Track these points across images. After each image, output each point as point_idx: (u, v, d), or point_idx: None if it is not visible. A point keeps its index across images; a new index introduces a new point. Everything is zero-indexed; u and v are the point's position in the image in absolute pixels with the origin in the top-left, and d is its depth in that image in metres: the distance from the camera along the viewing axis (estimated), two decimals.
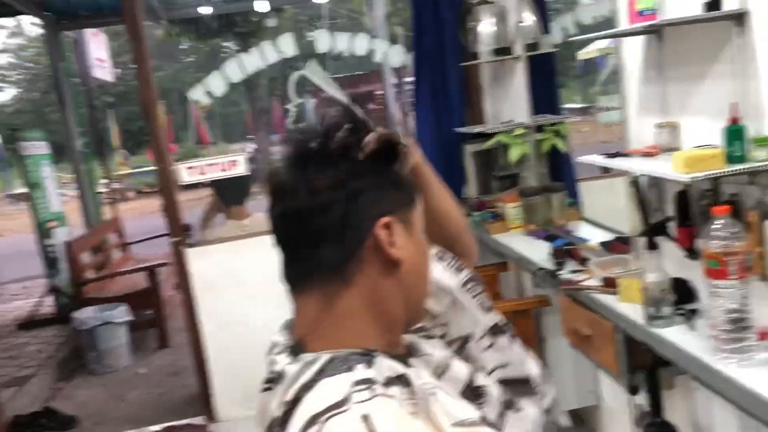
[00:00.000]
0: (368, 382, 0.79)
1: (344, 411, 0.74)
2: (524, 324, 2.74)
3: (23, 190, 5.79)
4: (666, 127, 2.04)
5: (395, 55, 3.64)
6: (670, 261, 2.09)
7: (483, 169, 3.62)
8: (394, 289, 0.87)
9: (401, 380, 0.82)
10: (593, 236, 2.88)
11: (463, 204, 3.69)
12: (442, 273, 1.05)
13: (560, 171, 3.29)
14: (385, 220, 0.85)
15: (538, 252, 2.78)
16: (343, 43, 3.58)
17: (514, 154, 3.04)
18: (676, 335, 1.88)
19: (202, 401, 3.76)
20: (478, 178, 3.60)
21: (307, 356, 0.84)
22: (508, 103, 3.45)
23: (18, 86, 25.33)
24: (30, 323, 6.03)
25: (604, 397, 2.85)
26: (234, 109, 20.96)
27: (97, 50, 7.10)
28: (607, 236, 2.82)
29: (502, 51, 3.20)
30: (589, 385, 2.89)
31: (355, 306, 0.85)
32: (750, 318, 1.63)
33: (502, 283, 3.36)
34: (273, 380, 0.88)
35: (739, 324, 1.63)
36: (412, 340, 0.95)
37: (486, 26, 3.17)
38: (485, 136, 3.52)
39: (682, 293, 2.01)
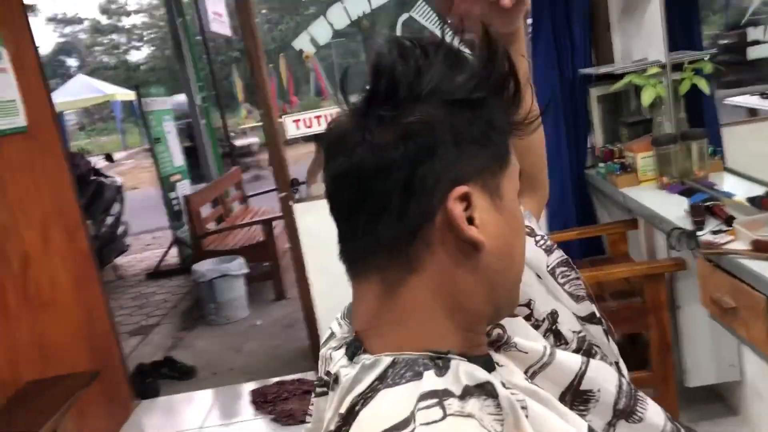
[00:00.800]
0: (439, 394, 0.60)
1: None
2: (656, 289, 2.42)
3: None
4: None
5: None
6: None
7: (610, 115, 3.26)
8: (473, 278, 0.66)
9: (483, 389, 0.62)
10: (740, 190, 2.50)
11: (589, 154, 3.37)
12: (529, 252, 0.83)
13: (701, 115, 2.90)
14: (461, 189, 0.63)
15: (674, 209, 2.44)
16: None
17: (647, 96, 2.68)
18: None
19: (313, 356, 3.72)
20: (605, 125, 3.24)
21: (365, 358, 0.67)
22: (640, 39, 3.06)
23: (152, 45, 26.57)
24: (157, 273, 6.30)
25: (747, 373, 2.51)
26: (354, 60, 21.00)
27: (215, 4, 7.14)
28: (758, 190, 2.44)
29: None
30: (731, 358, 2.56)
31: (422, 297, 0.66)
32: None
33: (631, 243, 3.04)
34: (327, 384, 0.71)
35: None
36: (499, 332, 0.74)
37: None
38: (614, 78, 3.14)
39: None
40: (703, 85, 2.71)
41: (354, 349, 0.69)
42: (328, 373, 0.71)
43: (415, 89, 0.64)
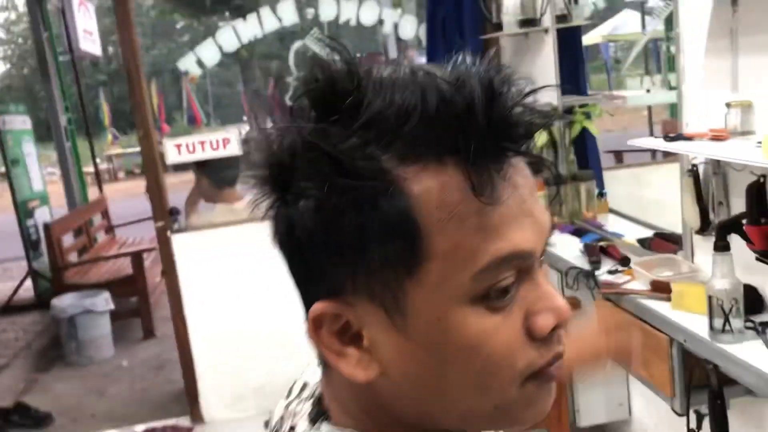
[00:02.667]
0: None
1: None
2: None
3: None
4: (737, 107, 1.73)
5: (406, 26, 3.31)
6: (736, 264, 1.79)
7: None
8: (387, 398, 0.52)
9: None
10: (626, 231, 2.57)
11: None
12: None
13: (586, 158, 2.99)
14: (318, 308, 0.49)
15: (567, 249, 2.47)
16: (350, 10, 3.25)
17: (540, 138, 2.70)
18: (749, 353, 1.58)
19: (188, 399, 3.46)
20: None
21: (325, 429, 0.55)
22: (532, 82, 3.12)
23: (9, 62, 24.88)
24: (8, 308, 5.72)
25: (635, 411, 2.56)
26: (229, 90, 20.63)
27: (85, 21, 6.72)
28: (642, 231, 2.52)
29: (528, 22, 2.87)
30: (620, 397, 2.60)
31: (345, 390, 0.54)
32: None
33: None
34: None
35: None
36: None
37: None
38: None
39: (751, 303, 1.72)
40: (593, 128, 2.80)
41: (317, 414, 0.57)
42: (292, 429, 0.58)
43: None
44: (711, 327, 1.66)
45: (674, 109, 3.26)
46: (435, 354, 0.48)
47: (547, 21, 2.80)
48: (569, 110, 2.82)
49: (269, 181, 0.50)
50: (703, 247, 2.00)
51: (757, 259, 1.72)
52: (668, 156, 2.90)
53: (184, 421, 3.46)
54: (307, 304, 0.51)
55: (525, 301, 0.49)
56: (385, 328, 0.48)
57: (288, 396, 0.64)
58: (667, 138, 1.81)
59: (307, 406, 0.59)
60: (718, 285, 1.64)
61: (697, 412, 1.83)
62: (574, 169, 2.86)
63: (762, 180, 1.69)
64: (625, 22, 4.82)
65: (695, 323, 1.74)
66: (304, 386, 0.63)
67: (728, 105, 1.75)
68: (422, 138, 0.45)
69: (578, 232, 2.64)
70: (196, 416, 3.41)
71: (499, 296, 0.47)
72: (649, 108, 3.58)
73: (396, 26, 3.32)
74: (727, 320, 1.63)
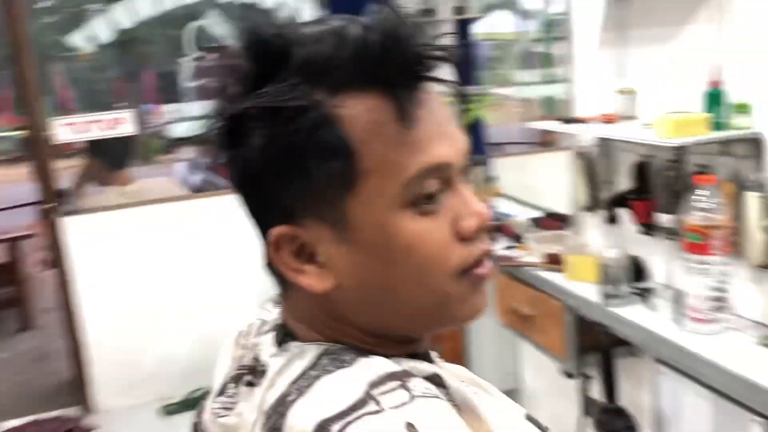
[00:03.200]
0: (398, 376, 0.54)
1: (374, 413, 0.50)
2: None
3: None
4: (625, 94, 1.91)
5: (307, 11, 3.34)
6: (620, 236, 1.97)
7: None
8: (347, 308, 0.59)
9: (432, 381, 0.57)
10: (518, 213, 2.75)
11: None
12: None
13: (477, 145, 3.15)
14: (276, 232, 0.56)
15: None
16: None
17: None
18: (637, 315, 1.76)
19: (76, 389, 3.32)
20: None
21: (294, 345, 0.59)
22: None
23: None
24: None
25: (526, 379, 2.74)
26: (99, 76, 19.56)
27: None
28: (531, 213, 2.70)
29: (427, 12, 2.98)
30: (509, 367, 2.77)
31: (305, 306, 0.61)
32: (728, 297, 1.53)
33: None
34: (254, 371, 0.61)
35: (718, 303, 1.52)
36: None
37: None
38: None
39: (634, 271, 1.90)
40: (486, 116, 2.96)
41: (282, 335, 0.61)
42: (256, 361, 0.62)
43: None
44: (602, 292, 1.83)
45: (551, 105, 3.52)
46: (380, 257, 0.55)
47: (446, 12, 2.93)
48: (464, 98, 2.96)
49: (224, 133, 0.57)
50: (591, 222, 2.19)
51: (640, 231, 1.92)
52: (548, 147, 3.14)
53: (72, 412, 3.32)
54: (265, 234, 0.58)
55: (451, 208, 0.57)
56: (335, 242, 0.55)
57: (240, 339, 0.68)
58: (564, 121, 1.97)
59: (268, 336, 0.63)
60: (608, 254, 1.82)
61: (585, 375, 2.00)
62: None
63: (645, 159, 1.88)
64: (498, 22, 5.10)
65: (586, 291, 1.91)
66: (263, 323, 0.67)
67: (618, 92, 1.92)
68: (347, 74, 0.53)
69: None
70: (86, 406, 3.28)
71: (427, 202, 0.55)
72: (530, 102, 3.81)
73: (297, 11, 3.35)
74: (616, 286, 1.81)
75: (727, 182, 1.59)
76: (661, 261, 1.91)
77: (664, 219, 1.80)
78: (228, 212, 2.93)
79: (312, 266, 0.57)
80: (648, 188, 1.87)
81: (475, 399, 0.60)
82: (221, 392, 0.64)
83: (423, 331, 0.62)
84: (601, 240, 1.92)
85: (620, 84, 1.95)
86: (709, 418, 1.52)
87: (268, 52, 0.55)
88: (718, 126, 1.56)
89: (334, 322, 0.59)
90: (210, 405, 0.65)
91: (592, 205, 2.11)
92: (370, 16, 0.55)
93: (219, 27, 3.19)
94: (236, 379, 0.63)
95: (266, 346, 0.62)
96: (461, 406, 0.57)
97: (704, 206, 1.49)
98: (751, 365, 1.42)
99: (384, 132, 0.53)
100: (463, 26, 2.99)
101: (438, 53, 0.55)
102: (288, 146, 0.53)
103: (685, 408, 1.60)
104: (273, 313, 0.67)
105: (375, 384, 0.53)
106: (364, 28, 0.54)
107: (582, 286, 1.93)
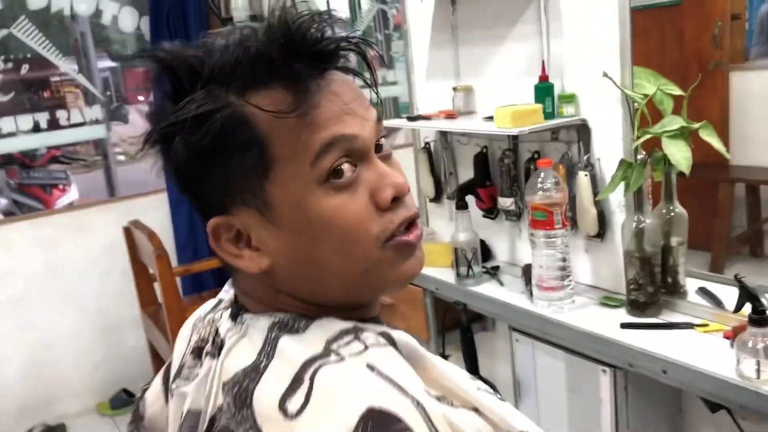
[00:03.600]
0: (351, 331, 0.60)
1: (336, 362, 0.57)
2: None
3: None
4: (462, 91, 2.07)
5: (126, 18, 3.21)
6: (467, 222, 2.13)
7: None
8: (291, 283, 0.64)
9: (384, 337, 0.62)
10: None
11: None
12: None
13: None
14: (213, 223, 0.62)
15: None
16: None
17: None
18: (490, 290, 1.93)
19: None
20: None
21: (248, 317, 0.64)
22: None
23: None
24: None
25: None
26: None
27: None
28: None
29: (255, 18, 3.01)
30: None
31: (251, 284, 0.66)
32: (570, 266, 1.72)
33: None
34: (213, 343, 0.67)
35: (563, 272, 1.70)
36: None
37: None
38: None
39: (482, 252, 2.07)
40: None
41: (236, 311, 0.66)
42: (216, 333, 0.67)
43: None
44: (457, 273, 1.98)
45: (396, 105, 3.67)
46: (303, 234, 0.60)
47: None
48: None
49: (159, 142, 0.62)
50: (437, 212, 2.34)
51: (484, 216, 2.09)
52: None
53: None
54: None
55: (367, 181, 0.61)
56: (263, 226, 0.61)
57: (198, 323, 0.72)
58: (409, 118, 2.09)
59: (225, 313, 0.68)
60: (461, 238, 1.96)
61: (444, 355, 2.14)
62: None
63: (485, 150, 2.05)
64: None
65: (442, 274, 2.05)
66: (219, 302, 0.72)
67: (454, 89, 2.08)
68: (250, 74, 0.59)
69: None
70: None
71: (337, 176, 0.59)
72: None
73: (116, 18, 3.20)
74: (469, 266, 1.96)
75: (559, 164, 1.79)
76: (505, 240, 2.09)
77: (505, 202, 1.98)
78: (43, 235, 2.75)
79: (248, 250, 0.62)
80: (489, 176, 2.05)
81: (421, 350, 0.66)
82: (181, 369, 0.69)
83: (360, 298, 0.66)
84: (450, 227, 2.06)
85: (457, 82, 2.11)
86: (563, 374, 1.70)
87: (184, 68, 0.60)
88: (549, 115, 1.76)
89: (279, 295, 0.64)
90: (169, 385, 0.70)
91: (438, 196, 2.26)
92: (268, 18, 0.60)
93: (27, 35, 2.97)
94: (196, 353, 0.68)
95: (224, 323, 0.66)
96: (409, 358, 0.62)
97: (545, 187, 1.67)
98: (595, 323, 1.62)
99: (287, 120, 0.58)
100: None
101: (329, 44, 0.61)
102: (207, 147, 0.58)
103: (541, 369, 1.78)
104: (228, 295, 0.70)
105: (331, 340, 0.59)
106: (264, 30, 0.59)
107: (437, 271, 2.07)
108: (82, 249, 3.18)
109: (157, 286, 2.76)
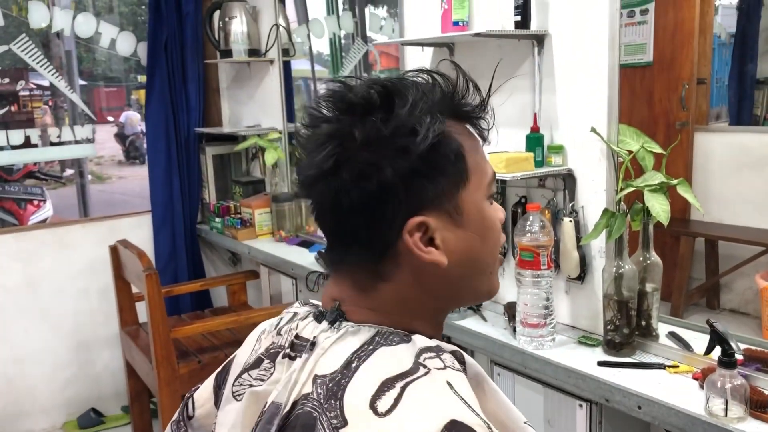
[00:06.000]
0: (434, 349, 0.71)
1: (423, 376, 0.67)
2: None
3: None
4: None
5: (124, 43, 3.28)
6: None
7: (221, 173, 3.46)
8: (438, 285, 0.75)
9: (455, 355, 0.74)
10: None
11: (202, 208, 3.47)
12: None
13: None
14: (414, 221, 0.71)
15: (300, 257, 2.75)
16: (64, 20, 3.11)
17: (270, 157, 2.96)
18: (473, 325, 2.03)
19: None
20: (216, 183, 3.43)
21: (348, 325, 0.74)
22: (253, 106, 3.36)
23: None
24: None
25: None
26: None
27: None
28: None
29: (255, 52, 3.11)
30: None
31: (391, 299, 0.74)
32: (553, 305, 1.84)
33: (251, 293, 3.24)
34: (294, 347, 0.75)
35: (547, 310, 1.82)
36: None
37: (238, 25, 3.06)
38: (224, 139, 3.38)
39: None
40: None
41: (336, 317, 0.74)
42: (297, 337, 0.75)
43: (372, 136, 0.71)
44: None
45: None
46: (479, 232, 0.75)
47: (274, 52, 3.08)
48: (292, 136, 3.11)
49: (357, 165, 0.69)
50: None
51: None
52: None
53: None
54: (377, 237, 0.71)
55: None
56: (449, 228, 0.73)
57: (263, 336, 0.82)
58: None
59: (307, 321, 0.76)
60: None
61: None
62: (295, 188, 3.15)
63: None
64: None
65: None
66: (294, 315, 0.80)
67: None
68: (446, 107, 0.73)
69: (305, 244, 2.93)
70: None
71: (493, 196, 0.79)
72: None
73: (113, 42, 3.27)
74: None
75: (545, 209, 1.92)
76: None
77: None
78: (23, 249, 2.81)
79: (433, 248, 0.72)
80: None
81: (483, 374, 0.77)
82: (252, 367, 0.78)
83: (478, 298, 0.81)
84: None
85: None
86: (542, 407, 1.81)
87: (380, 97, 0.71)
88: (538, 163, 1.89)
89: (404, 310, 0.74)
90: (230, 386, 0.80)
91: None
92: (442, 75, 0.76)
93: (26, 53, 3.03)
94: (272, 357, 0.77)
95: (309, 328, 0.75)
96: (473, 380, 0.74)
97: (533, 230, 1.79)
98: (574, 359, 1.74)
99: (475, 146, 0.75)
100: (285, 66, 3.16)
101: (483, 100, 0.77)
102: (425, 155, 0.69)
103: (520, 401, 1.88)
104: (302, 309, 0.79)
105: (419, 354, 0.69)
106: (444, 81, 0.75)
107: None
108: (61, 265, 3.19)
109: (139, 305, 2.80)
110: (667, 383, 1.59)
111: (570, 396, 1.73)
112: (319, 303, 0.80)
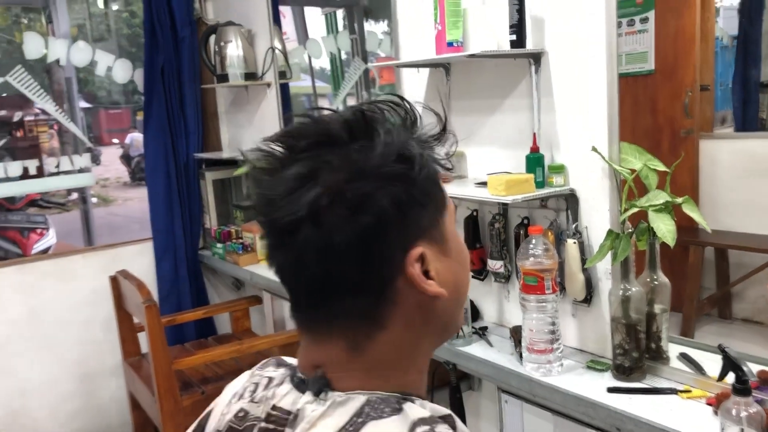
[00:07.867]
0: (428, 421, 0.66)
1: None
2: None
3: None
4: (454, 156, 2.16)
5: (119, 71, 3.26)
6: None
7: (222, 198, 3.43)
8: (433, 321, 0.71)
9: (446, 421, 0.69)
10: None
11: (204, 234, 3.44)
12: None
13: None
14: (416, 252, 0.67)
15: None
16: (60, 49, 3.10)
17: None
18: (479, 351, 1.98)
19: None
20: (217, 208, 3.40)
21: (336, 395, 0.68)
22: (252, 129, 3.34)
23: None
24: None
25: None
26: None
27: None
28: None
29: (251, 76, 3.09)
30: None
31: (388, 350, 0.69)
32: (559, 329, 1.79)
33: (255, 318, 3.20)
34: (270, 419, 0.70)
35: (553, 335, 1.77)
36: None
37: (234, 48, 3.04)
38: (223, 164, 3.35)
39: (471, 313, 2.13)
40: None
41: (320, 386, 0.69)
42: (275, 409, 0.70)
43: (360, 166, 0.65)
44: None
45: None
46: (459, 260, 0.74)
47: (271, 76, 3.06)
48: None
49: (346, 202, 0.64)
50: None
51: (473, 277, 2.16)
52: None
53: None
54: (373, 277, 0.66)
55: None
56: (439, 257, 0.70)
57: (234, 399, 0.76)
58: None
59: (283, 388, 0.71)
60: None
61: None
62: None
63: (475, 213, 2.13)
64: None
65: None
66: (270, 380, 0.75)
67: (447, 154, 2.16)
68: (436, 138, 0.73)
69: None
70: None
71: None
72: None
73: (110, 69, 3.25)
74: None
75: (548, 231, 1.88)
76: (494, 302, 2.16)
77: (495, 265, 2.05)
78: (25, 281, 2.77)
79: (431, 281, 0.68)
80: (479, 238, 2.12)
81: None
82: None
83: (446, 339, 0.78)
84: None
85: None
86: None
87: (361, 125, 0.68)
88: (539, 184, 1.84)
89: (400, 361, 0.70)
90: None
91: None
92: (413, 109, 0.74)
93: (22, 84, 3.02)
94: (248, 430, 0.71)
95: (288, 397, 0.70)
96: None
97: (536, 253, 1.74)
98: (583, 386, 1.68)
99: (440, 176, 0.72)
100: (282, 89, 3.13)
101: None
102: (420, 181, 0.67)
103: (529, 430, 1.83)
104: (278, 372, 0.74)
105: (412, 428, 0.64)
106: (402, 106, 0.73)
107: None
108: (64, 296, 3.17)
109: (141, 336, 2.76)
110: (680, 410, 1.54)
111: (581, 424, 1.68)
112: (295, 362, 0.74)
